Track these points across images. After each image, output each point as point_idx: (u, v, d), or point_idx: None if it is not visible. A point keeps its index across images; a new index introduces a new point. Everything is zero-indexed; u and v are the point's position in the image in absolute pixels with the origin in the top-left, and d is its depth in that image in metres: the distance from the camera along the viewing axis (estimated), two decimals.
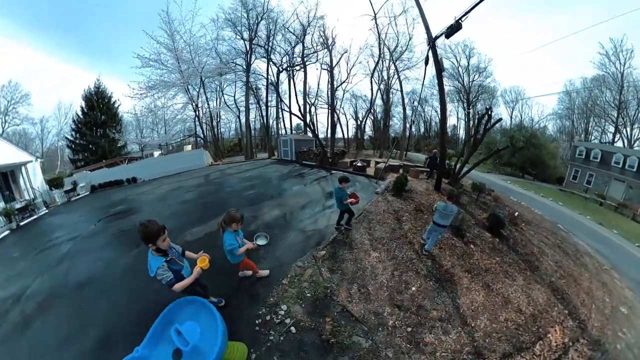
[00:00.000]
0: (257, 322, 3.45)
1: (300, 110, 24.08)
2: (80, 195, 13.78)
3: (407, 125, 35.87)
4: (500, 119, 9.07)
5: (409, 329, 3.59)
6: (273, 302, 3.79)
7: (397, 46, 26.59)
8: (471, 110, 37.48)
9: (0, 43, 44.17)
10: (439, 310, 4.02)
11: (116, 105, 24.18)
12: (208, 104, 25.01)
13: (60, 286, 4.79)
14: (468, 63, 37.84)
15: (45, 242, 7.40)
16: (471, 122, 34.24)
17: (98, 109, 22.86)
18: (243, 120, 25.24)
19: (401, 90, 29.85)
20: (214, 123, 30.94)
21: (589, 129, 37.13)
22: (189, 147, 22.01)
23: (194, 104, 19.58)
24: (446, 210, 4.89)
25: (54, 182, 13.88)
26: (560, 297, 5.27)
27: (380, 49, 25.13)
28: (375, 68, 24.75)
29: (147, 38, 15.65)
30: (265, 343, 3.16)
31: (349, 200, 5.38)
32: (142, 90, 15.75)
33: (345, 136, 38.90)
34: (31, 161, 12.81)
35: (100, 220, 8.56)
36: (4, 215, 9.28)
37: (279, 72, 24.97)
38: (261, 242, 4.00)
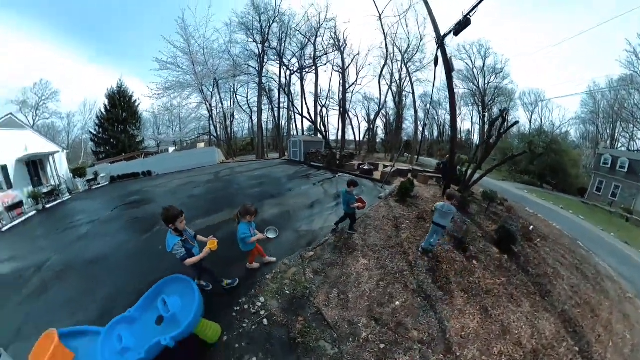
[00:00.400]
0: (235, 309, 3.65)
1: (309, 112, 24.64)
2: (101, 185, 14.74)
3: (420, 129, 35.11)
4: (516, 122, 8.20)
5: (382, 346, 3.32)
6: (253, 293, 3.95)
7: (408, 47, 26.45)
8: (486, 114, 35.88)
9: (38, 46, 47.66)
10: (421, 332, 3.63)
11: (136, 104, 25.66)
12: (222, 104, 26.05)
13: (75, 261, 5.36)
14: (483, 64, 35.68)
15: (66, 223, 8.12)
16: (486, 127, 32.91)
17: (120, 107, 24.33)
18: (255, 120, 25.95)
19: (413, 93, 29.68)
20: (227, 122, 32.03)
21: (616, 135, 34.03)
22: (202, 145, 22.94)
23: (207, 104, 20.48)
24: (444, 209, 4.88)
25: (77, 171, 14.93)
26: (572, 330, 4.55)
27: (387, 50, 25.06)
28: (383, 69, 24.73)
29: (165, 42, 16.68)
30: (238, 329, 3.35)
31: (356, 204, 5.31)
32: (160, 91, 16.77)
33: (357, 138, 38.55)
34: (58, 151, 13.89)
35: (117, 207, 9.25)
36: (32, 198, 10.20)
37: (290, 74, 25.58)
38: (271, 235, 4.34)
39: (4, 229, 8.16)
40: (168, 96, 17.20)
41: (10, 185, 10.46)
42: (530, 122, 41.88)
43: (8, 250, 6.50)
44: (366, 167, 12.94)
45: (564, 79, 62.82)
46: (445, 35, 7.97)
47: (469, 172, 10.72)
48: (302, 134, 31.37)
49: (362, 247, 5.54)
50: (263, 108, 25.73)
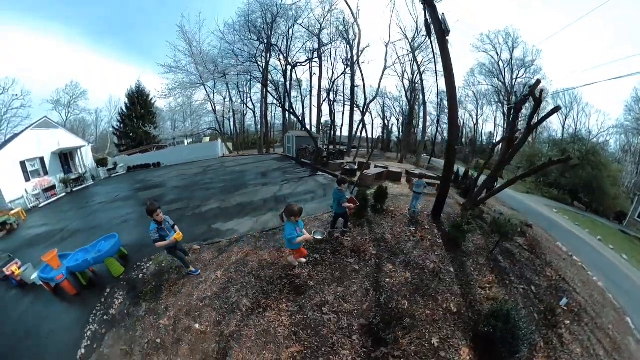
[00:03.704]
0: (135, 271, 5.02)
1: (300, 107, 25.78)
2: (119, 173, 17.54)
3: (432, 127, 32.90)
4: (557, 108, 6.52)
5: None
6: (148, 266, 5.13)
7: (415, 35, 23.09)
8: (510, 102, 30.61)
9: (71, 48, 52.58)
10: None
11: (153, 102, 28.68)
12: (231, 100, 28.15)
13: (84, 227, 7.67)
14: (511, 56, 30.39)
15: (86, 202, 10.64)
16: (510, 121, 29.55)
17: (138, 105, 27.48)
18: (259, 116, 27.89)
19: (422, 85, 25.86)
20: (235, 118, 34.37)
21: None
22: (207, 139, 25.42)
23: (211, 102, 22.80)
24: (420, 185, 6.39)
25: (100, 162, 17.88)
26: None
27: (389, 33, 23.77)
28: (387, 55, 22.72)
29: (170, 46, 19.03)
30: (131, 283, 4.76)
31: (347, 204, 5.11)
32: (166, 92, 19.15)
33: (371, 136, 34.33)
34: (84, 145, 16.73)
35: (129, 190, 11.70)
36: (63, 183, 12.97)
37: (292, 68, 25.69)
38: (318, 236, 4.32)
39: (41, 205, 10.87)
40: (174, 96, 19.57)
41: (46, 172, 13.26)
42: (563, 127, 35.96)
43: (44, 219, 9.07)
44: (348, 167, 11.62)
45: (609, 56, 50.41)
46: None
47: (480, 180, 8.41)
48: (311, 129, 31.33)
49: (223, 261, 5.03)
50: (270, 103, 27.38)
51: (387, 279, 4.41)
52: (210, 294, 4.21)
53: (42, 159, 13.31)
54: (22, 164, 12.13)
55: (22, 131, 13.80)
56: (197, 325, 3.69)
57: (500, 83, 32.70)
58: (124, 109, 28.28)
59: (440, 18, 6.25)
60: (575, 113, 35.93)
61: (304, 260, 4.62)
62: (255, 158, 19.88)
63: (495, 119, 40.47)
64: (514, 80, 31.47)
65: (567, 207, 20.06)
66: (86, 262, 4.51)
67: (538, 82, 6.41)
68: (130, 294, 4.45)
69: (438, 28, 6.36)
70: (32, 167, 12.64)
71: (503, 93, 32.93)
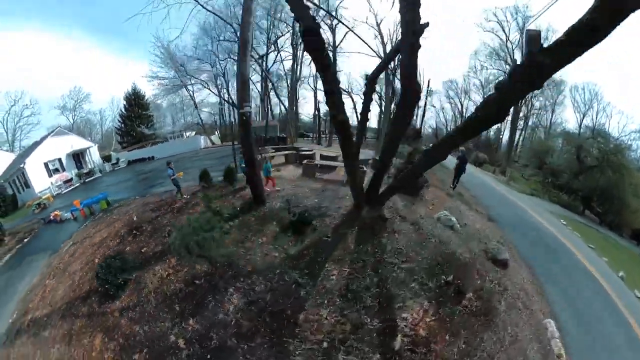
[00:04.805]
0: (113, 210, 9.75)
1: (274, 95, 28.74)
2: (121, 167, 21.85)
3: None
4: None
5: None
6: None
7: None
8: (523, 110, 27.28)
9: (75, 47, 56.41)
10: None
11: (148, 103, 32.71)
12: (219, 94, 31.52)
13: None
14: (521, 35, 25.47)
15: (93, 189, 14.90)
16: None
17: (135, 105, 31.46)
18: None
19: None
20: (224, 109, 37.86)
21: None
22: (192, 133, 29.46)
23: (194, 99, 26.59)
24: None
25: (106, 158, 22.27)
26: None
27: None
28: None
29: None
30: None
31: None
32: (155, 94, 23.15)
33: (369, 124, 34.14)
34: (92, 146, 21.02)
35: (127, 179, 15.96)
36: (77, 176, 17.36)
37: (262, 58, 25.80)
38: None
39: (63, 192, 15.27)
40: (161, 99, 23.45)
41: (64, 169, 17.64)
42: (580, 127, 31.66)
43: (65, 201, 13.38)
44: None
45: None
46: None
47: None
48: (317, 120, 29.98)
49: None
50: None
51: None
52: None
53: (60, 159, 17.65)
54: (45, 164, 16.49)
55: (42, 139, 18.15)
56: None
57: (509, 67, 27.30)
58: (123, 110, 32.43)
59: None
60: (594, 112, 31.88)
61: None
62: (224, 148, 23.64)
63: None
64: None
65: (577, 217, 15.48)
66: (90, 201, 8.61)
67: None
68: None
69: None
70: (53, 166, 17.01)
71: None
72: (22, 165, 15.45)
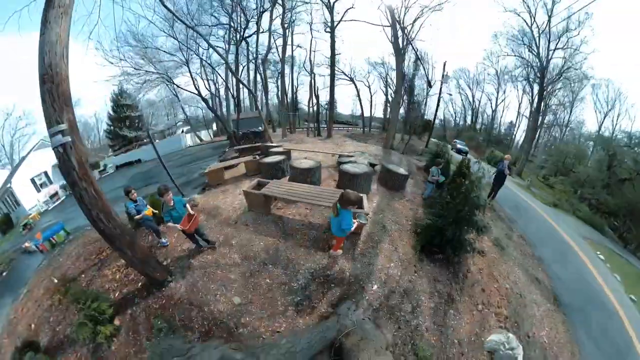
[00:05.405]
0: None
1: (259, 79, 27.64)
2: (108, 173, 22.25)
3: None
4: None
5: None
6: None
7: None
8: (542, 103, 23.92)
9: None
10: None
11: (137, 103, 32.35)
12: (209, 85, 30.38)
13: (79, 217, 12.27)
14: (549, 19, 21.08)
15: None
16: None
17: (123, 106, 31.17)
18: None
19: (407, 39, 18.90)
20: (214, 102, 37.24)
21: None
22: (178, 131, 29.36)
23: (177, 96, 26.13)
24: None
25: (92, 167, 22.64)
26: None
27: None
28: None
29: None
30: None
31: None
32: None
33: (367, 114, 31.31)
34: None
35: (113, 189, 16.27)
36: (64, 188, 17.85)
37: (241, 40, 23.43)
38: (363, 220, 4.25)
39: (50, 207, 15.81)
40: (143, 92, 22.67)
41: (51, 182, 18.13)
42: (599, 128, 29.43)
43: (53, 217, 13.90)
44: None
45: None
46: None
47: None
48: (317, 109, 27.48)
49: None
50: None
51: None
52: None
53: (45, 173, 18.08)
54: (32, 180, 16.95)
55: (25, 156, 18.51)
56: None
57: (533, 55, 23.35)
58: (111, 112, 32.29)
59: None
60: (616, 113, 29.42)
61: (338, 253, 4.53)
62: (205, 146, 23.55)
63: (519, 104, 33.76)
64: (550, 53, 22.13)
65: (600, 237, 12.54)
66: (49, 233, 8.89)
67: None
68: None
69: None
70: (40, 180, 17.49)
71: (534, 69, 24.00)
72: (8, 186, 15.95)
